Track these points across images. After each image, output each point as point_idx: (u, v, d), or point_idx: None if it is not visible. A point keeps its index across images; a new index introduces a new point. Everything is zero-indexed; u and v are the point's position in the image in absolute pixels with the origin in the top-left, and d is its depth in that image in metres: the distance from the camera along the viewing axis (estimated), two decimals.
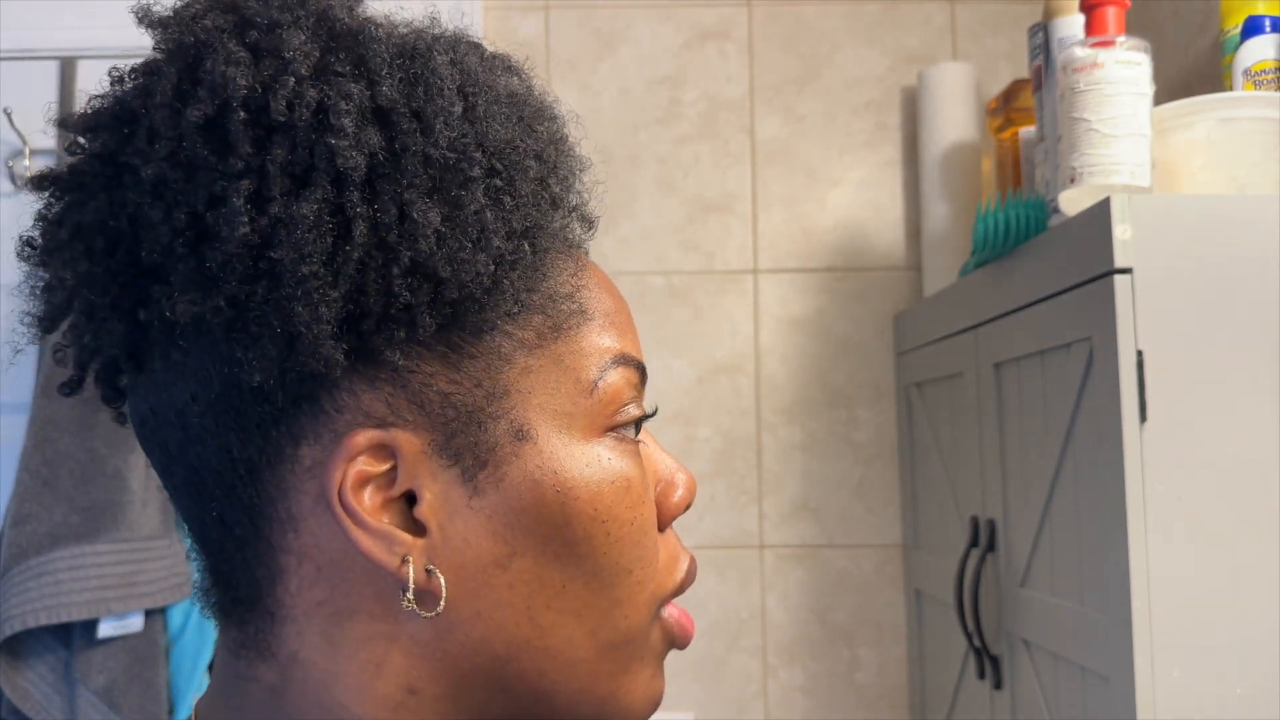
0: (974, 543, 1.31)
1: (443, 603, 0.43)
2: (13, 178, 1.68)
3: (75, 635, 1.44)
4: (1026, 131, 1.47)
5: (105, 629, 1.42)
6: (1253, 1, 1.18)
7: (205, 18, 0.43)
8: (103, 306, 0.43)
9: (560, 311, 0.46)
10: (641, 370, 0.49)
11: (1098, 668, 1.00)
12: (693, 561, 0.51)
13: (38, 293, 0.45)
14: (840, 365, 1.78)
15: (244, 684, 0.45)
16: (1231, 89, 1.16)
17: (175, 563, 1.48)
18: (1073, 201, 1.08)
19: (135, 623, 1.44)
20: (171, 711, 1.47)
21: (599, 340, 0.47)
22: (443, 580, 0.43)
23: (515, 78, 0.48)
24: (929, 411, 1.58)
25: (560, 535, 0.45)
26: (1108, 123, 1.04)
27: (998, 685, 1.27)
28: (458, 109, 0.43)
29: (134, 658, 1.44)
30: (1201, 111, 1.07)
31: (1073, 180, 1.06)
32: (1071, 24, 1.26)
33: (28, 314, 0.46)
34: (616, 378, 0.47)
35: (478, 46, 0.47)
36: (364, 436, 0.42)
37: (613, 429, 0.47)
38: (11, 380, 1.64)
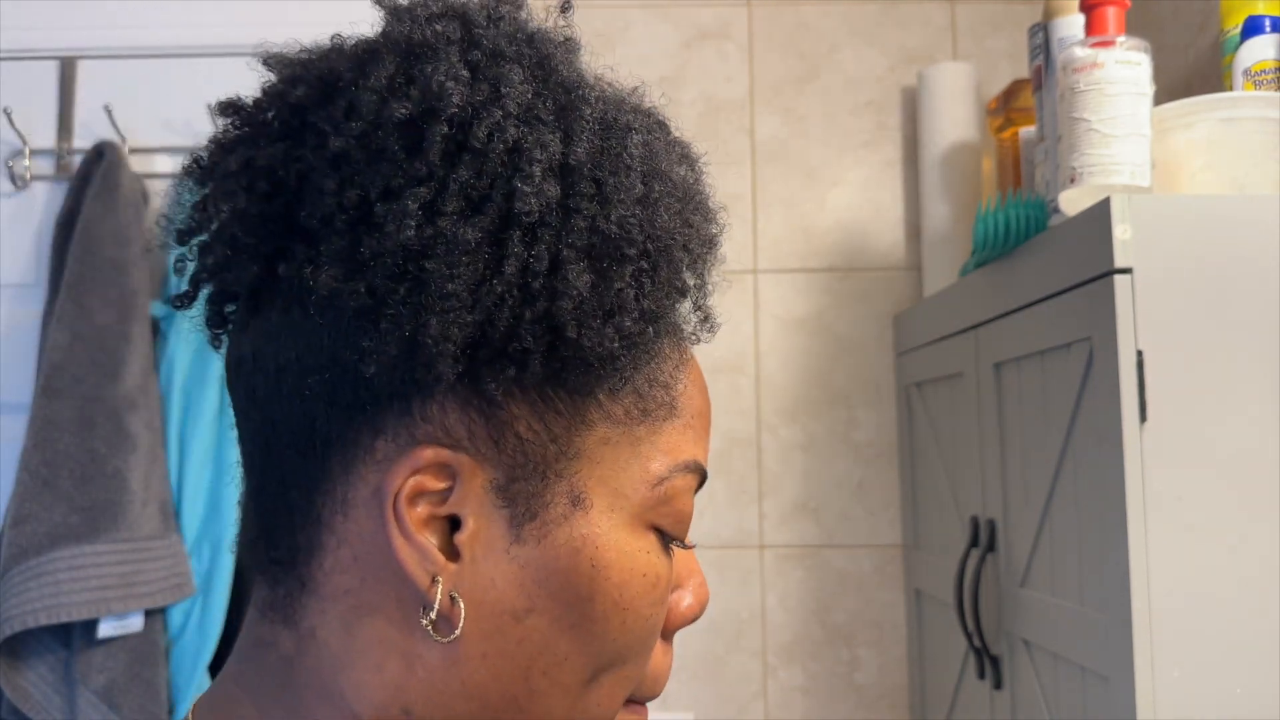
0: (974, 543, 1.31)
1: (458, 632, 0.43)
2: (13, 178, 1.68)
3: (75, 635, 1.44)
4: (1026, 131, 1.47)
5: (105, 629, 1.42)
6: (1253, 1, 1.18)
7: (438, 22, 0.44)
8: (246, 245, 0.44)
9: (654, 399, 0.47)
10: (704, 480, 0.50)
11: (1098, 668, 1.00)
12: (662, 683, 0.52)
13: (187, 206, 0.46)
14: (840, 365, 1.77)
15: (263, 649, 0.46)
16: (1231, 89, 1.16)
17: (175, 563, 1.48)
18: (1073, 201, 1.08)
19: (135, 623, 1.44)
20: (171, 711, 1.47)
21: (679, 439, 0.48)
22: (463, 610, 0.43)
23: (689, 168, 0.49)
24: (929, 411, 1.58)
25: (581, 607, 0.45)
26: (1108, 123, 1.04)
27: (998, 685, 1.27)
28: (637, 191, 0.44)
29: (134, 658, 1.44)
30: (1201, 111, 1.07)
31: (1073, 180, 1.06)
32: (1071, 24, 1.26)
33: (169, 222, 0.47)
34: (681, 483, 0.47)
35: (665, 127, 0.49)
36: (433, 452, 0.43)
37: (659, 528, 0.47)
38: (11, 380, 1.64)
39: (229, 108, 0.47)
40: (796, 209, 1.80)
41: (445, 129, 0.42)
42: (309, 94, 0.44)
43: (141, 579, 1.43)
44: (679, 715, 1.72)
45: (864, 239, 1.79)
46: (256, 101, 0.46)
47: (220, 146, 0.46)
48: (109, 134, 1.65)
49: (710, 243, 0.49)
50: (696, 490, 0.49)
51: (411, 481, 0.43)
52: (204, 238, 0.46)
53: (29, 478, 1.43)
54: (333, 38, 0.47)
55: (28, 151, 1.67)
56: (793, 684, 1.74)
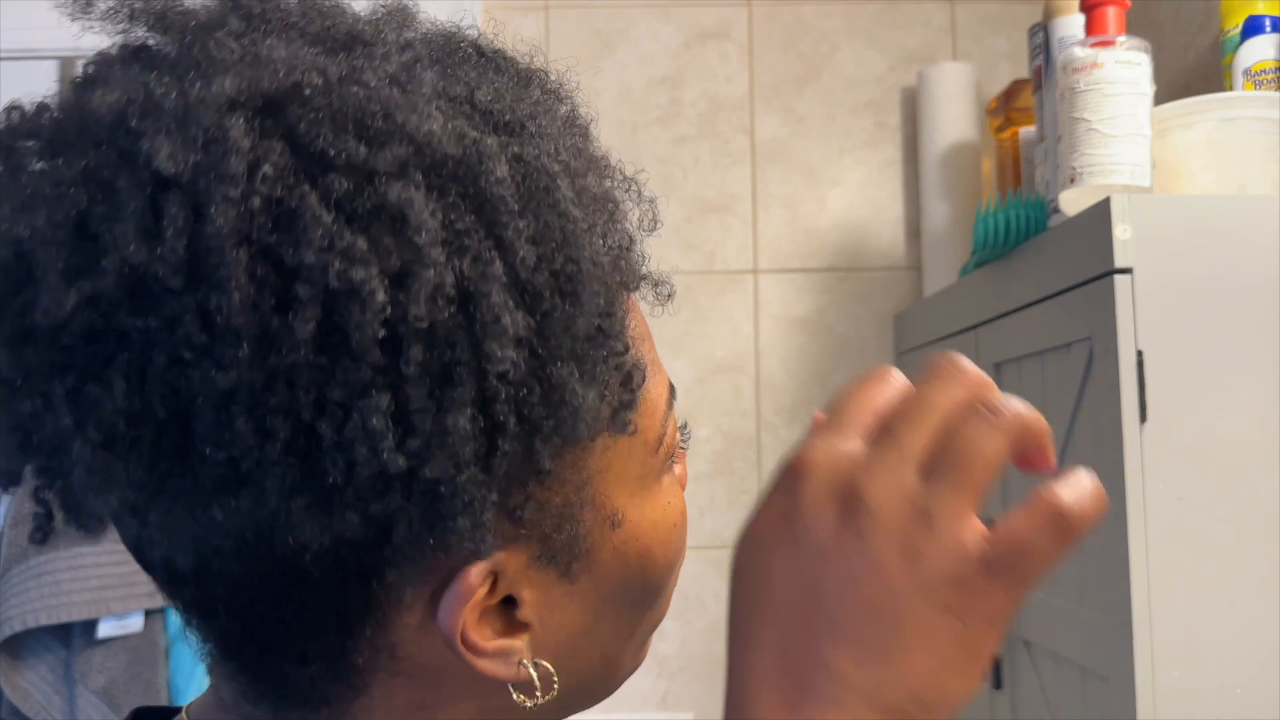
0: None
1: (555, 689, 0.42)
2: None
3: (75, 635, 1.44)
4: (1026, 131, 1.47)
5: (105, 629, 1.42)
6: (1253, 1, 1.18)
7: (264, 159, 0.32)
8: (136, 503, 0.35)
9: (630, 392, 0.44)
10: (674, 394, 0.48)
11: (1098, 668, 1.00)
12: None
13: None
14: (840, 365, 1.77)
15: None
16: (1232, 89, 1.16)
17: None
18: (1073, 201, 1.08)
19: (135, 623, 1.43)
20: None
21: (654, 391, 0.44)
22: (551, 669, 0.42)
23: (587, 141, 0.43)
24: None
25: (639, 589, 0.45)
26: (1108, 123, 1.04)
27: (998, 685, 1.27)
28: (604, 261, 0.38)
29: (134, 658, 1.44)
30: (1201, 111, 1.07)
31: (1073, 180, 1.06)
32: (1072, 24, 1.26)
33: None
34: (671, 423, 0.45)
35: (546, 87, 0.42)
36: (476, 572, 0.38)
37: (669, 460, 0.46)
38: None
39: (26, 340, 0.34)
40: (797, 209, 1.80)
41: (376, 329, 0.32)
42: (113, 302, 0.33)
43: (141, 579, 1.43)
44: (679, 715, 1.72)
45: (864, 239, 1.79)
46: (19, 327, 0.33)
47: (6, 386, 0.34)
48: None
49: (652, 221, 0.45)
50: None
51: (470, 610, 0.39)
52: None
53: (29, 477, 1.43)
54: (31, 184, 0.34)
55: None
56: None
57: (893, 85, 1.81)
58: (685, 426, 0.49)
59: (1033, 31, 1.34)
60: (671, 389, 0.46)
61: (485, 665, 0.40)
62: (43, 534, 0.39)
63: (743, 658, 0.37)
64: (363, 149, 0.33)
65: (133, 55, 0.36)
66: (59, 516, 0.38)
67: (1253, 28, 1.16)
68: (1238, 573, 0.93)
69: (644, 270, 0.43)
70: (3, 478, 0.37)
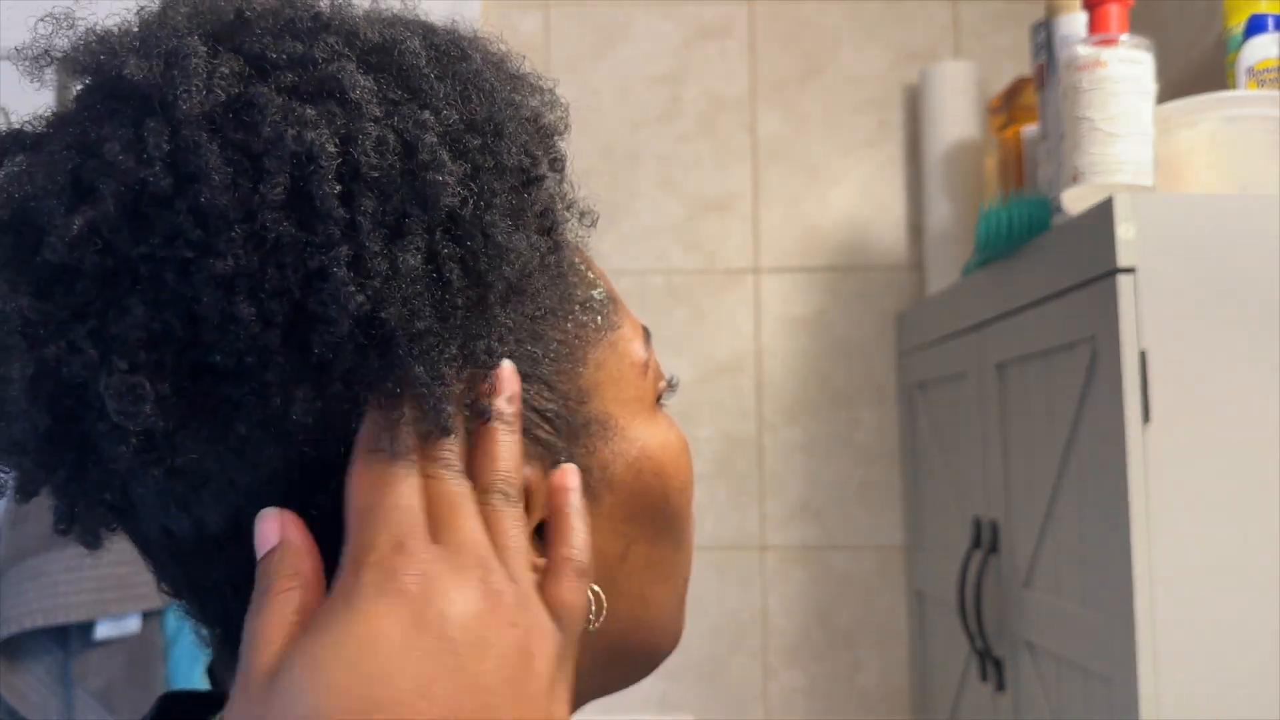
0: (976, 544, 1.30)
1: (605, 609, 0.44)
2: None
3: (72, 637, 1.43)
4: (1029, 130, 1.47)
5: (103, 630, 1.41)
6: (1256, 0, 1.17)
7: (218, 65, 0.37)
8: (170, 431, 0.36)
9: (595, 300, 0.46)
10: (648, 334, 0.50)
11: (1101, 669, 0.99)
12: None
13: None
14: (842, 365, 1.77)
15: None
16: (1235, 88, 1.16)
17: None
18: (1076, 200, 1.07)
19: (133, 624, 1.43)
20: None
21: (629, 320, 0.48)
22: (600, 592, 0.44)
23: (504, 52, 0.46)
24: (931, 412, 1.58)
25: (662, 514, 0.47)
26: (1111, 121, 1.04)
27: (1000, 687, 1.27)
28: (525, 110, 0.42)
29: (131, 659, 1.43)
30: (1205, 110, 1.07)
31: (1075, 179, 1.06)
32: (1074, 22, 1.25)
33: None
34: (653, 354, 0.49)
35: (473, 34, 0.44)
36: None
37: (659, 400, 0.49)
38: None
39: (52, 274, 0.36)
40: (798, 207, 1.79)
41: (332, 180, 0.36)
42: (115, 229, 0.35)
43: (139, 580, 1.43)
44: (680, 717, 1.72)
45: (866, 238, 1.79)
46: (31, 270, 0.36)
47: (29, 339, 0.36)
48: None
49: (564, 124, 0.47)
50: None
51: None
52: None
53: None
54: (10, 137, 0.39)
55: None
56: (794, 686, 1.73)
57: (895, 83, 1.81)
58: (674, 380, 0.51)
59: (1035, 29, 1.33)
60: (645, 329, 0.49)
61: None
62: (66, 525, 0.40)
63: None
64: (299, 45, 0.38)
65: (100, 40, 0.40)
66: (80, 508, 0.39)
67: (1256, 26, 1.15)
68: (1241, 574, 0.92)
69: (562, 129, 0.46)
70: (25, 477, 0.39)
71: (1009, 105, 1.54)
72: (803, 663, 1.73)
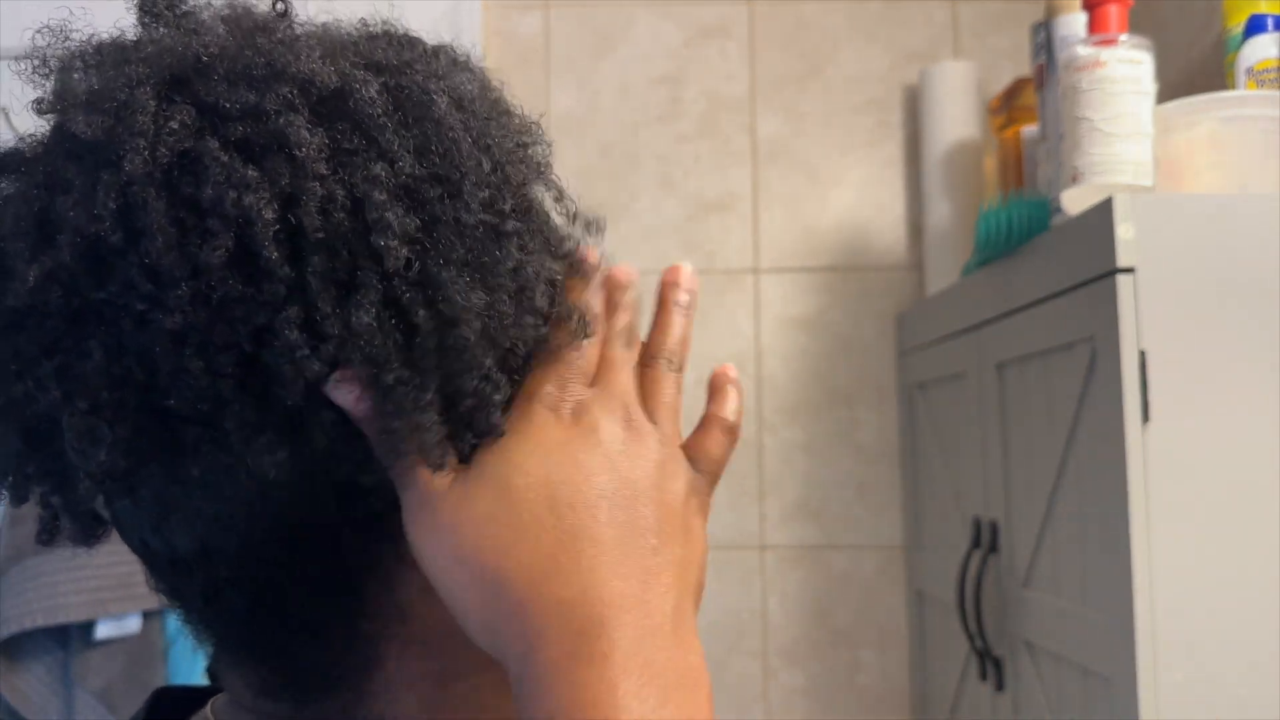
0: (976, 544, 1.30)
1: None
2: None
3: (73, 637, 1.43)
4: (1029, 130, 1.47)
5: (103, 630, 1.41)
6: (1255, 0, 1.17)
7: (168, 119, 0.37)
8: (127, 469, 0.38)
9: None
10: None
11: (1100, 669, 1.00)
12: None
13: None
14: (842, 365, 1.77)
15: None
16: (1234, 88, 1.16)
17: None
18: (1075, 200, 1.07)
19: (133, 624, 1.43)
20: None
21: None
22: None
23: (476, 82, 0.44)
24: (931, 412, 1.58)
25: None
26: (1110, 121, 1.04)
27: (1000, 687, 1.27)
28: (485, 165, 0.40)
29: (132, 659, 1.43)
30: (1204, 110, 1.07)
31: (1075, 179, 1.06)
32: (1074, 22, 1.25)
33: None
34: None
35: (454, 59, 0.44)
36: None
37: None
38: None
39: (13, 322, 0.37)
40: (798, 208, 1.79)
41: (274, 244, 0.36)
42: (74, 275, 0.36)
43: (139, 580, 1.42)
44: None
45: (866, 238, 1.79)
46: (28, 306, 0.37)
47: (33, 377, 0.37)
48: None
49: (546, 156, 0.46)
50: None
51: None
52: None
53: None
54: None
55: None
56: (793, 685, 1.73)
57: (894, 84, 1.81)
58: None
59: (1035, 30, 1.33)
60: None
61: None
62: (49, 535, 0.42)
63: (584, 552, 0.39)
64: (252, 96, 0.37)
65: (59, 87, 0.41)
66: (63, 519, 0.41)
67: (1255, 26, 1.15)
68: (1240, 573, 0.92)
69: (543, 166, 0.45)
70: (10, 489, 0.41)
71: (1008, 105, 1.54)
72: (802, 663, 1.74)
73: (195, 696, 0.48)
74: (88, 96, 0.38)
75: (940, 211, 1.66)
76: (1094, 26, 1.07)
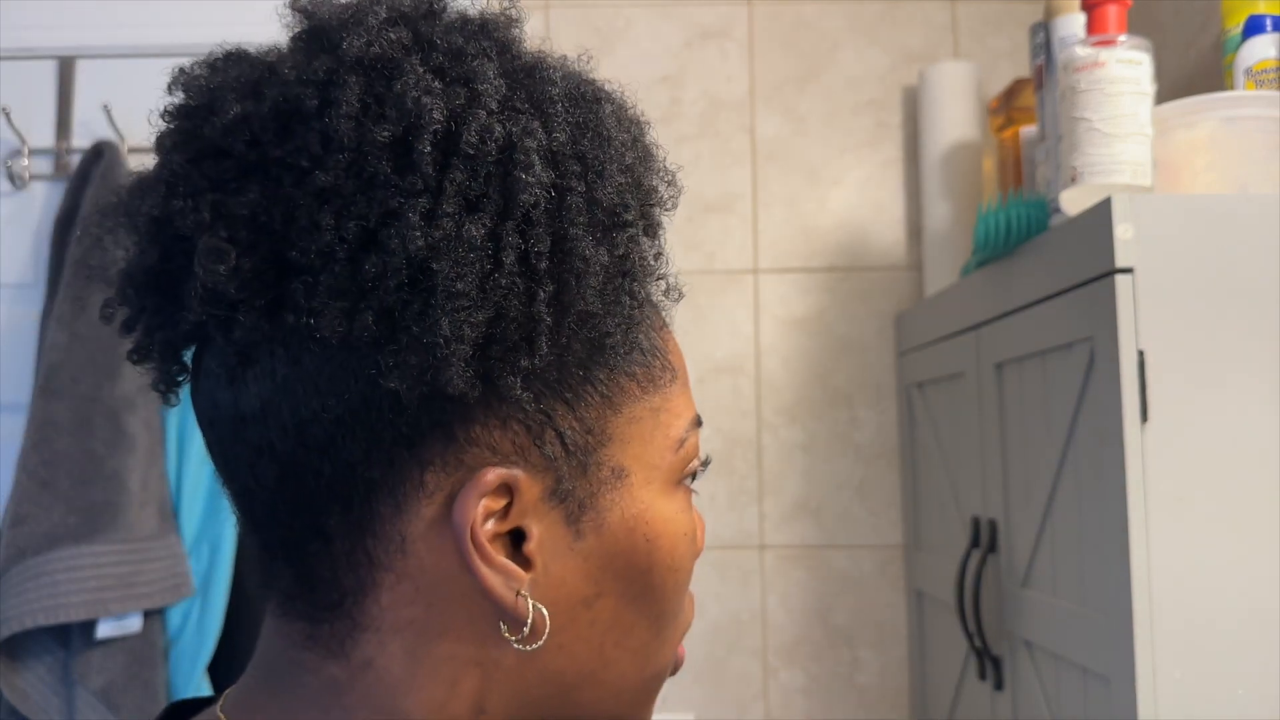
0: (975, 543, 1.31)
1: (544, 639, 0.45)
2: (11, 177, 1.68)
3: (74, 636, 1.44)
4: (1028, 130, 1.47)
5: (104, 630, 1.42)
6: (1254, 1, 1.17)
7: (389, 31, 0.43)
8: (240, 299, 0.42)
9: (656, 366, 0.49)
10: (699, 422, 0.52)
11: (1099, 668, 1.00)
12: (692, 615, 0.55)
13: (135, 250, 0.44)
14: (841, 365, 1.77)
15: (302, 673, 0.46)
16: (1233, 88, 1.16)
17: (174, 563, 1.48)
18: (1074, 201, 1.07)
19: (134, 623, 1.43)
20: None
21: (682, 398, 0.50)
22: (546, 615, 0.45)
23: (640, 131, 0.50)
24: (930, 412, 1.58)
25: (642, 580, 0.48)
26: (1109, 122, 1.04)
27: (999, 686, 1.27)
28: (625, 159, 0.46)
29: (132, 658, 1.44)
30: (1203, 111, 1.07)
31: (1074, 179, 1.06)
32: (1073, 23, 1.25)
33: (101, 271, 0.46)
34: (695, 438, 0.50)
35: (611, 94, 0.49)
36: (495, 474, 0.43)
37: (684, 480, 0.50)
38: (10, 380, 1.64)
39: (168, 142, 0.44)
40: (797, 208, 1.80)
41: (431, 142, 0.41)
42: (265, 127, 0.42)
43: (140, 579, 1.43)
44: (679, 716, 1.72)
45: (865, 238, 1.79)
46: (212, 144, 0.43)
47: (185, 194, 0.43)
48: (108, 133, 1.64)
49: (673, 203, 0.50)
50: None
51: (483, 508, 0.43)
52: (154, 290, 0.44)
53: (27, 478, 1.43)
54: (235, 52, 0.45)
55: (26, 151, 1.67)
56: (793, 685, 1.73)
57: (894, 84, 1.81)
58: (708, 461, 0.53)
59: (1034, 30, 1.33)
60: (698, 416, 0.51)
61: (487, 576, 0.43)
62: (139, 356, 0.46)
63: None
64: (460, 40, 0.44)
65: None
66: (156, 356, 0.46)
67: (1254, 27, 1.16)
68: (1239, 573, 0.93)
69: (669, 206, 0.50)
70: (131, 301, 0.45)
71: (1007, 106, 1.55)
72: (802, 662, 1.74)
73: (206, 703, 0.50)
74: (336, 8, 0.45)
75: (939, 212, 1.66)
76: (1093, 27, 1.08)
